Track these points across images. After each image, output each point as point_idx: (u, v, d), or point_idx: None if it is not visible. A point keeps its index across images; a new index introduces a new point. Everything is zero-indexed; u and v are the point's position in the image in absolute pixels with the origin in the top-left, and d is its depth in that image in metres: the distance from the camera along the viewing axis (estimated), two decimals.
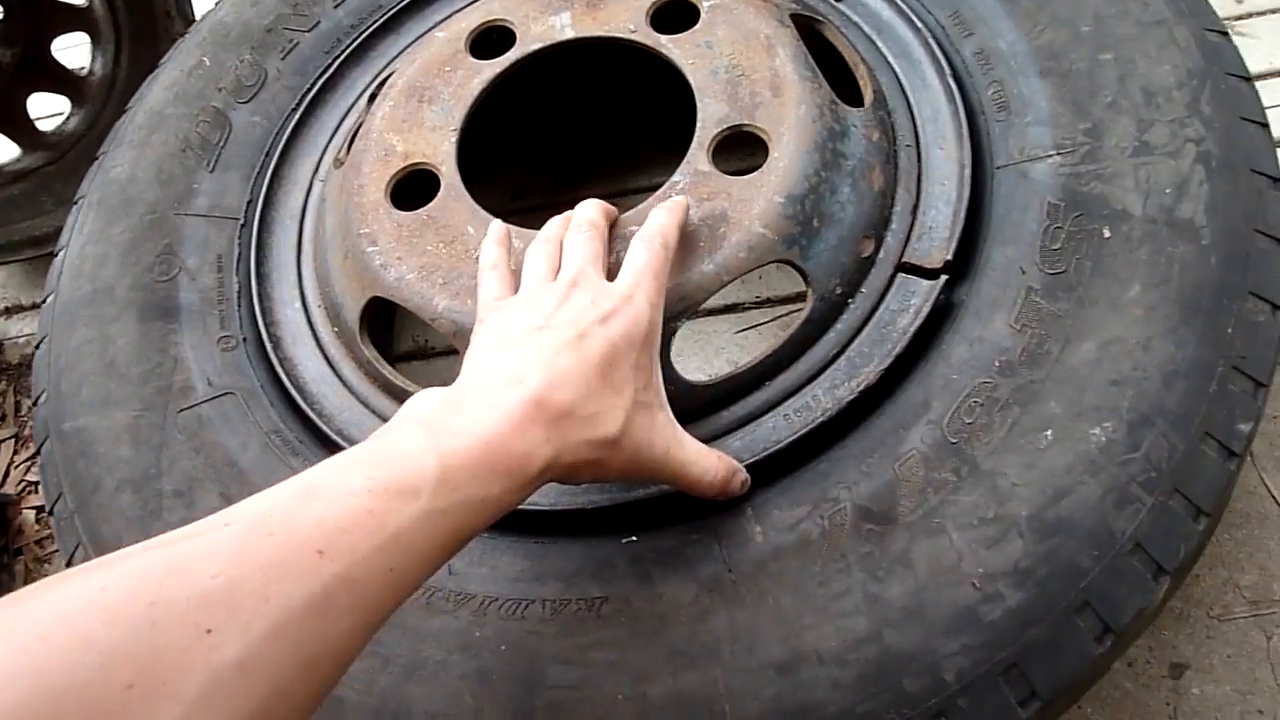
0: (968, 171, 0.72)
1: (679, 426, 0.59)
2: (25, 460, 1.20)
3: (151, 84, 0.98)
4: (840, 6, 0.84)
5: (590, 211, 0.65)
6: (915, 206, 0.73)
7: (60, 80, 1.45)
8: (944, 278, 0.68)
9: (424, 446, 0.46)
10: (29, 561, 1.12)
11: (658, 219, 0.63)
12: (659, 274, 0.60)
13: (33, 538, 1.13)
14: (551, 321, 0.55)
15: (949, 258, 0.69)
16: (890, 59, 0.81)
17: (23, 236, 1.34)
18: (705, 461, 0.59)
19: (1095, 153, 0.69)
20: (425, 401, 0.52)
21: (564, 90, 1.05)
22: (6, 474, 1.19)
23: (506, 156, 1.13)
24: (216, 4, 1.02)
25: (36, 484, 1.17)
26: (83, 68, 1.46)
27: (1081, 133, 0.70)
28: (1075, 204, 0.67)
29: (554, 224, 0.66)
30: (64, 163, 1.41)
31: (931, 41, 0.79)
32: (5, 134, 1.41)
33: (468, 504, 0.46)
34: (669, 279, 0.63)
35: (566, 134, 1.15)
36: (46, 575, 1.12)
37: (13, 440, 1.22)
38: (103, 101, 1.42)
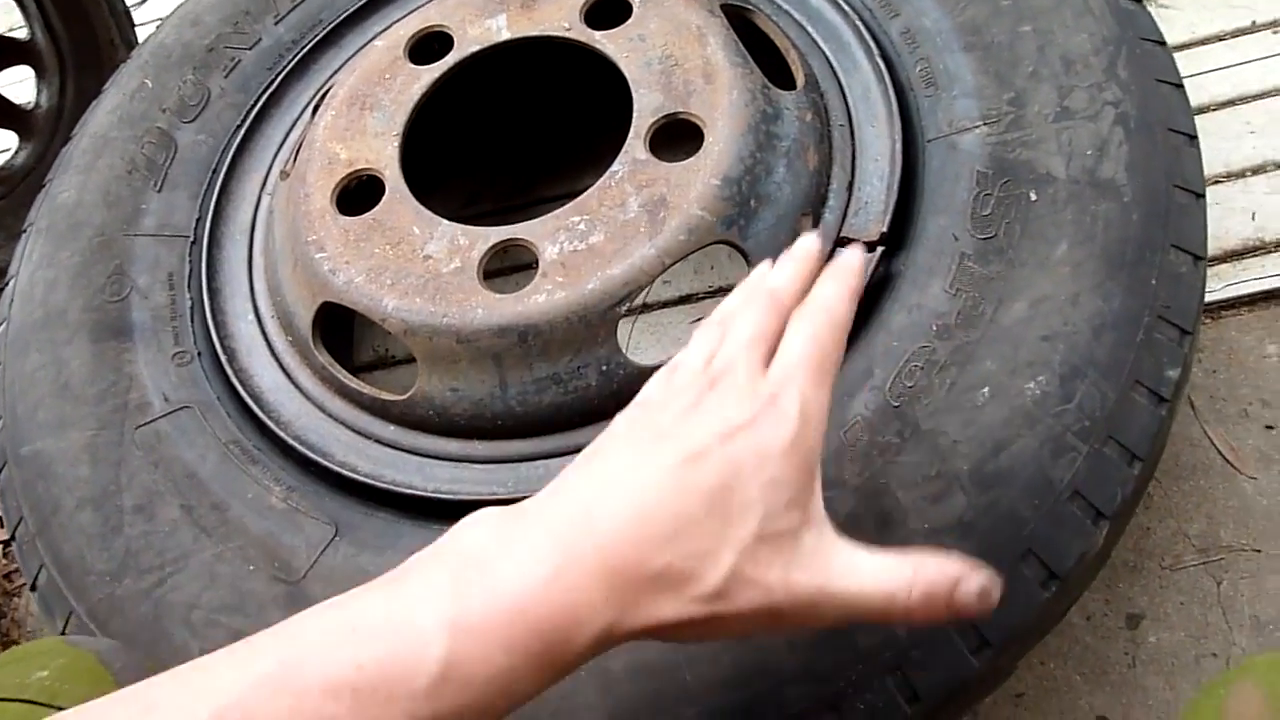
0: (899, 146, 0.74)
1: (847, 544, 0.45)
2: None
3: (95, 109, 0.99)
4: None
5: (780, 278, 0.51)
6: (850, 183, 0.75)
7: (6, 115, 1.44)
8: (881, 249, 0.70)
9: (438, 620, 0.38)
10: None
11: (823, 289, 0.50)
12: (822, 362, 0.46)
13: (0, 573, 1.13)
14: (667, 432, 0.44)
15: (885, 230, 0.70)
16: (820, 43, 0.83)
17: None
18: (889, 581, 0.44)
19: (1019, 120, 0.71)
20: (475, 529, 0.43)
21: (507, 94, 1.07)
22: None
23: (457, 164, 1.14)
24: (156, 27, 1.03)
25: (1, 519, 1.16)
26: (29, 101, 1.45)
27: (1005, 102, 0.72)
28: (1003, 171, 0.70)
29: (735, 296, 0.52)
30: (14, 197, 1.40)
31: (859, 23, 0.80)
32: None
33: (475, 703, 0.38)
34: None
35: (515, 138, 1.16)
36: (16, 610, 1.11)
37: None
38: (50, 134, 1.42)
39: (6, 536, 1.14)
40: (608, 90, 0.81)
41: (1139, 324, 0.62)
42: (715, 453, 0.43)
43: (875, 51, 0.79)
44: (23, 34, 1.42)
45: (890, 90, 0.76)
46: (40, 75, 1.42)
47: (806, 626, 0.44)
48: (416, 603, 0.39)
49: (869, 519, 0.59)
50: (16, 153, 1.45)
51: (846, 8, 0.82)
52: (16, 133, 1.45)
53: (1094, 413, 0.59)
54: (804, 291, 0.50)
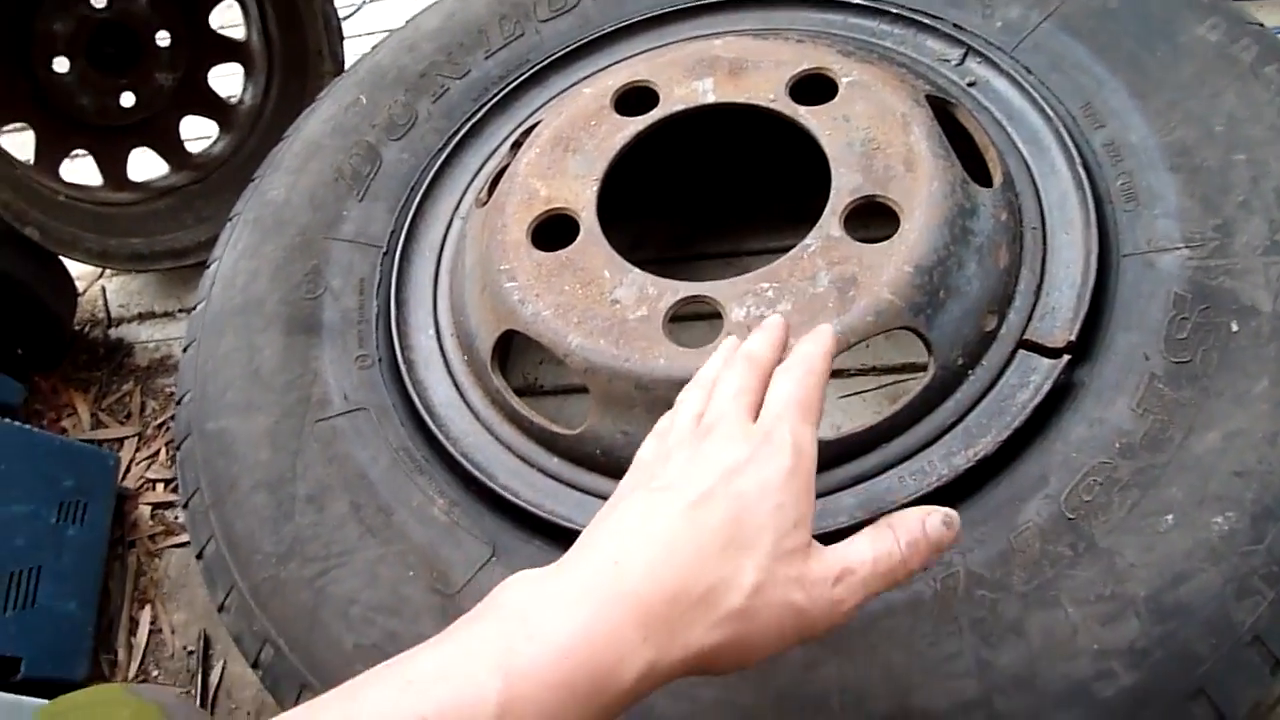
0: (1094, 256, 0.73)
1: (831, 550, 0.50)
2: (146, 458, 1.27)
3: (309, 116, 1.05)
4: (973, 91, 0.87)
5: (754, 344, 0.58)
6: (1039, 286, 0.75)
7: (212, 106, 1.55)
8: (1066, 357, 0.69)
9: (491, 667, 0.41)
10: (141, 555, 1.17)
11: (804, 348, 0.57)
12: (807, 404, 0.53)
13: (146, 532, 1.19)
14: (674, 483, 0.50)
15: (1072, 338, 0.70)
16: (1020, 144, 0.83)
17: (164, 248, 1.43)
18: (879, 544, 0.50)
19: (1225, 248, 0.70)
20: (513, 591, 0.46)
21: (696, 151, 1.10)
22: (128, 469, 1.26)
23: (630, 206, 1.18)
24: (374, 48, 1.10)
25: (155, 482, 1.23)
26: (233, 96, 1.56)
27: (1211, 228, 0.72)
28: (1202, 296, 0.69)
29: (713, 363, 0.60)
30: (208, 183, 1.51)
31: (1062, 130, 0.81)
32: (158, 152, 1.51)
33: None
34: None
35: (689, 191, 1.19)
36: (156, 570, 1.18)
37: (136, 438, 1.29)
38: (249, 129, 1.52)
39: (159, 503, 1.21)
40: (792, 160, 0.83)
41: None
42: (720, 493, 0.48)
43: (1076, 160, 0.79)
44: (239, 34, 1.53)
45: (1089, 199, 0.76)
46: (248, 74, 1.53)
47: (831, 624, 0.48)
48: (468, 655, 0.43)
49: (1035, 628, 0.58)
50: (215, 142, 1.56)
51: (1050, 113, 0.83)
52: (218, 124, 1.56)
53: None
54: (778, 356, 0.58)
